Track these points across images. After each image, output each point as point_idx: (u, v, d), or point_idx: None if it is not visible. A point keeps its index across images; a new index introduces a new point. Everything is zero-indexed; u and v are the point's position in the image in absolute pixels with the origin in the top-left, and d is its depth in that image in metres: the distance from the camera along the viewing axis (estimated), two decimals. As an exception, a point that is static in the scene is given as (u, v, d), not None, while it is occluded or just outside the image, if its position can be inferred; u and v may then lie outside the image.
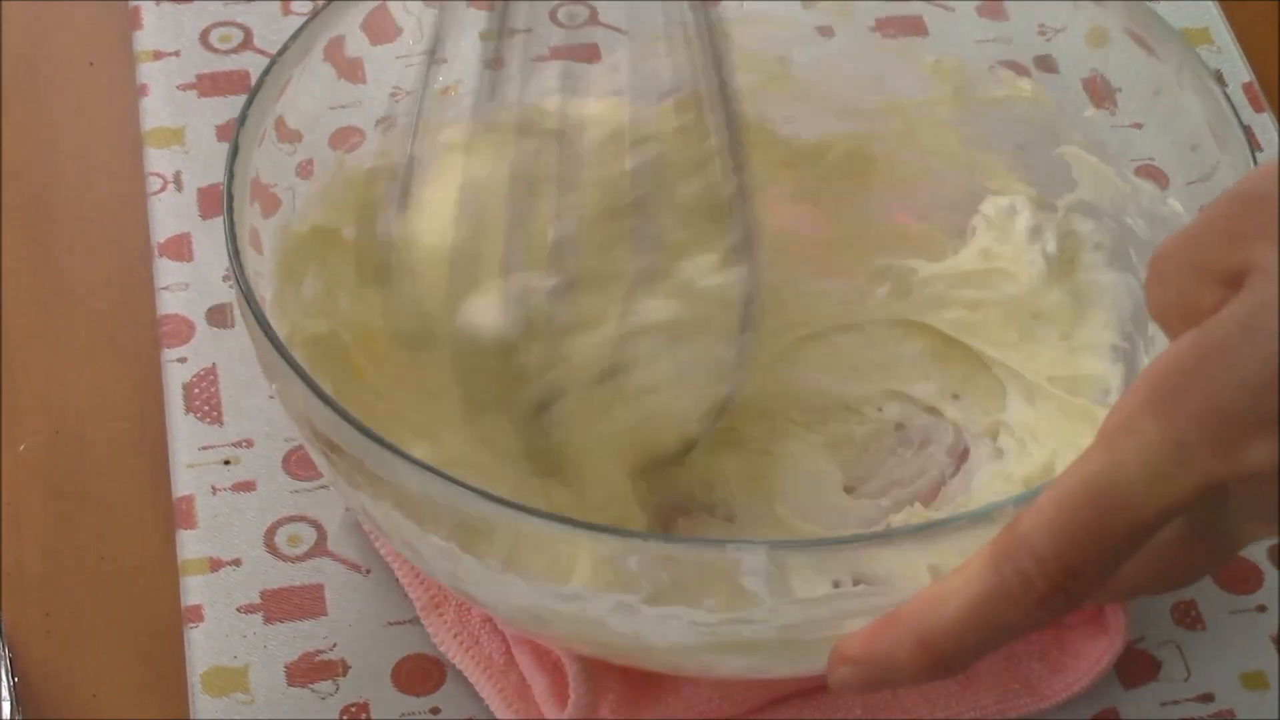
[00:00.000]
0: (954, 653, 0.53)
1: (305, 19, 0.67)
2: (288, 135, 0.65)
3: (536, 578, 0.57)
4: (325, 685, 0.65)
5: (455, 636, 0.66)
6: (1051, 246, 0.71)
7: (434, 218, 0.66)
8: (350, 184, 0.68)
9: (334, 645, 0.66)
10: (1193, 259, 0.52)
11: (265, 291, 0.62)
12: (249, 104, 0.64)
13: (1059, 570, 0.51)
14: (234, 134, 0.63)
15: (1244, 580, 0.69)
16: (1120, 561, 0.51)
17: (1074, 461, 0.51)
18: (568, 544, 0.55)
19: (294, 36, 0.66)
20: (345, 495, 0.64)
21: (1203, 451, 0.49)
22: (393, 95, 0.70)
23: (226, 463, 0.70)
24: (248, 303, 0.59)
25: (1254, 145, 0.77)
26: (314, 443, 0.60)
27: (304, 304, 0.65)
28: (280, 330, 0.60)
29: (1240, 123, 0.64)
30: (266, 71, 0.65)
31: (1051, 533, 0.51)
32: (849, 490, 0.70)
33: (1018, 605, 0.52)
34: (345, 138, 0.69)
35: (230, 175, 0.62)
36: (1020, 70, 0.72)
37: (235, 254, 0.60)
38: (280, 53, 0.65)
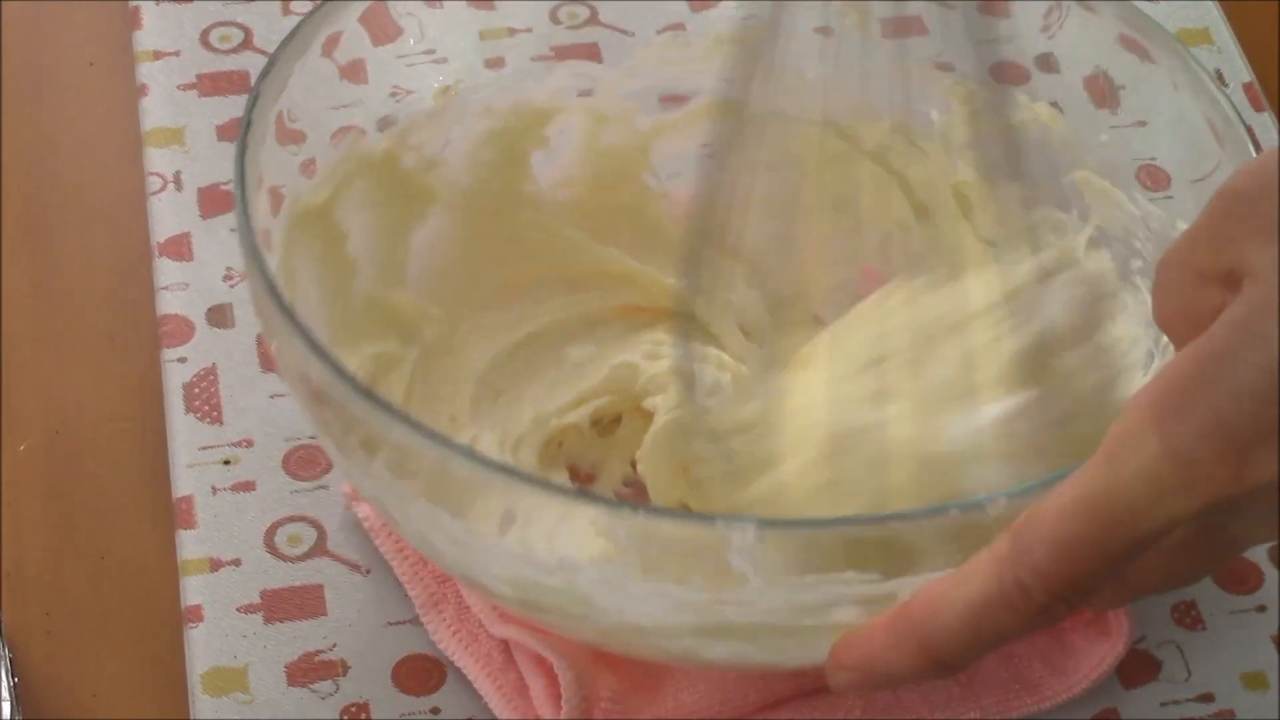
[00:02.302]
0: (955, 656, 0.54)
1: (304, 15, 0.67)
2: (291, 135, 0.65)
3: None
4: (325, 685, 0.65)
5: (455, 635, 0.66)
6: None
7: None
8: (363, 159, 0.68)
9: (334, 645, 0.66)
10: (1190, 262, 0.51)
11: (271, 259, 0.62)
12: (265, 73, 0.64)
13: (1058, 583, 0.51)
14: (247, 109, 0.63)
15: (1244, 580, 0.69)
16: (1119, 571, 0.51)
17: (1076, 472, 0.51)
18: (561, 510, 0.56)
19: (297, 28, 0.65)
20: (344, 468, 0.64)
21: (1208, 467, 0.48)
22: (393, 95, 0.70)
23: (226, 463, 0.70)
24: (254, 257, 0.59)
25: (1255, 145, 0.77)
26: (309, 402, 0.59)
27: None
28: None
29: (1242, 121, 0.63)
30: (274, 59, 0.65)
31: (1051, 546, 0.51)
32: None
33: (1016, 614, 0.52)
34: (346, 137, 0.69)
35: (246, 130, 0.62)
36: (1020, 71, 0.72)
37: (242, 196, 0.60)
38: (284, 44, 0.65)
